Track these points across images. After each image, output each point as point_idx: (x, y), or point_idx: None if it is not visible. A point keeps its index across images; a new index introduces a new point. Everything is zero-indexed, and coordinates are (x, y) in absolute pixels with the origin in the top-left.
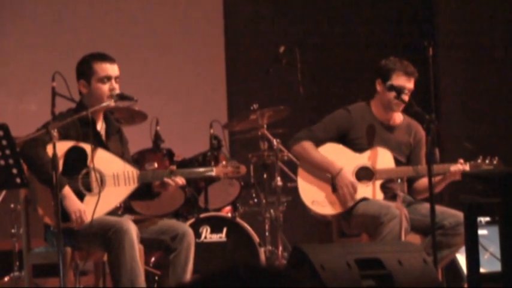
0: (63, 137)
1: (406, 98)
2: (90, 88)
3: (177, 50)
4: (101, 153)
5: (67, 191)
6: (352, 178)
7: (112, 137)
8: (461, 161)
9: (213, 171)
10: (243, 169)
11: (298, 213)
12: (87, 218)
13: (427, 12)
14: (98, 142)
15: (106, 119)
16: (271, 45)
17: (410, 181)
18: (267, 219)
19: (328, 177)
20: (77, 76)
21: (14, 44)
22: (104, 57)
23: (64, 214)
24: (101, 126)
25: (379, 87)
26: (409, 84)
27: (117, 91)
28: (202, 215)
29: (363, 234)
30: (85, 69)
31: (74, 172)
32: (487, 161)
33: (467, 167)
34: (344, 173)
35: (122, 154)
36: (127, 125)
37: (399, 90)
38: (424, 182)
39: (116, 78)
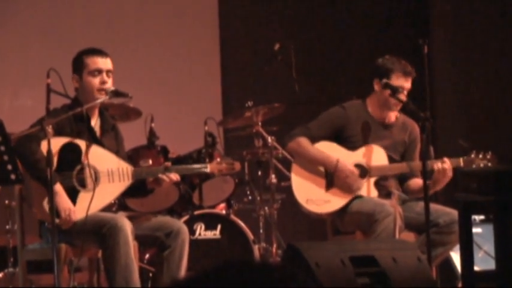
0: (57, 133)
1: (403, 97)
2: (81, 82)
3: (172, 46)
4: (95, 149)
5: (58, 188)
6: (350, 167)
7: (107, 133)
8: (445, 159)
9: (207, 168)
10: (237, 166)
11: (292, 211)
12: (76, 218)
13: (421, 10)
14: (91, 138)
15: (101, 115)
16: (266, 42)
17: (402, 179)
18: (262, 217)
19: (323, 174)
20: (72, 72)
21: (9, 40)
22: (96, 51)
23: (56, 211)
24: (95, 122)
25: (376, 87)
26: (407, 84)
27: (109, 85)
28: (196, 212)
29: (357, 232)
30: (77, 64)
31: (68, 168)
32: (480, 156)
33: (449, 163)
34: (342, 164)
35: (117, 151)
36: (121, 122)
37: (398, 90)
38: (415, 182)
39: (107, 72)
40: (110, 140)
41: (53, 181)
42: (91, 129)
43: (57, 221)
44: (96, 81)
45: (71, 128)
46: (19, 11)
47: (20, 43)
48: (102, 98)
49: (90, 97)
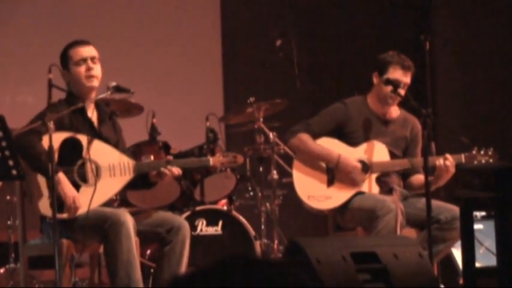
0: (57, 127)
1: (401, 91)
2: (70, 75)
3: (173, 42)
4: (96, 144)
5: (61, 176)
6: (353, 161)
7: (104, 123)
8: (447, 155)
9: (210, 161)
10: (239, 158)
11: (293, 207)
12: (81, 205)
13: (424, 5)
14: (89, 129)
15: (97, 107)
16: (268, 38)
17: (405, 176)
18: (263, 213)
19: (324, 170)
20: (62, 69)
21: (11, 35)
22: (76, 42)
23: (58, 205)
24: (91, 113)
25: (375, 80)
26: (405, 78)
27: (96, 71)
28: (198, 208)
29: (359, 228)
30: (64, 59)
31: (69, 164)
32: (482, 152)
33: (451, 160)
34: (344, 158)
35: (117, 142)
36: (123, 118)
37: (395, 84)
38: (418, 178)
39: (92, 58)
40: (109, 130)
41: (55, 170)
42: (88, 121)
43: (64, 215)
44: (82, 69)
45: (70, 121)
46: (19, 7)
47: (21, 39)
48: (104, 94)
49: (81, 86)
